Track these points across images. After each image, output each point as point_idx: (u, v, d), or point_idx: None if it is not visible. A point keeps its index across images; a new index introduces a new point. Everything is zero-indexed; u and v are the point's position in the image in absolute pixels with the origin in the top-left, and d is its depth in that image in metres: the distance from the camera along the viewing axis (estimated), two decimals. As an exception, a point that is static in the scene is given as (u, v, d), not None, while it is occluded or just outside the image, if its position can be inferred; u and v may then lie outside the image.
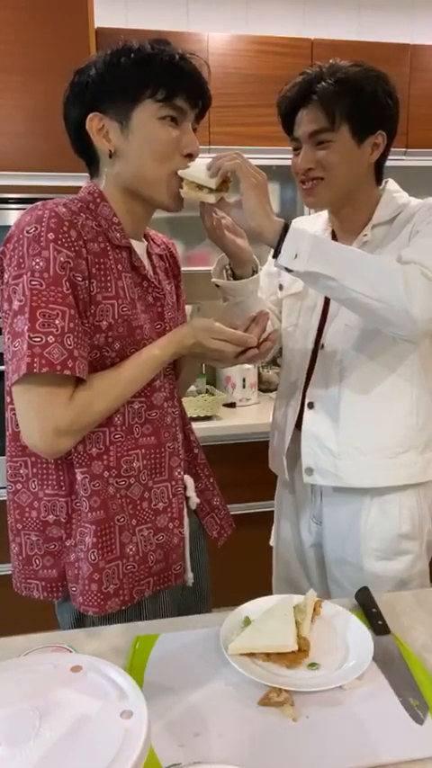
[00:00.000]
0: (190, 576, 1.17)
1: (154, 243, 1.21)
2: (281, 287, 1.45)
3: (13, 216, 2.12)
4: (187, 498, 1.18)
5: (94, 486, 1.03)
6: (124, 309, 1.03)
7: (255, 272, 1.28)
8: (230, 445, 2.29)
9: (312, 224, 1.40)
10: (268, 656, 0.89)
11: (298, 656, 0.88)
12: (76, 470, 1.03)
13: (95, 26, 2.20)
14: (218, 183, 1.07)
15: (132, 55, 0.99)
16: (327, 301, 1.34)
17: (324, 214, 1.41)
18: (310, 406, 1.34)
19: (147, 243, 1.16)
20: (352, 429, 1.30)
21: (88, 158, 1.08)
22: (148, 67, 0.98)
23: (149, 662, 0.90)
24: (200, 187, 1.06)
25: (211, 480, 1.27)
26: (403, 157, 2.55)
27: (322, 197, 1.28)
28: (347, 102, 1.20)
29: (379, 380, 1.29)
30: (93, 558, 1.02)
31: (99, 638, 0.98)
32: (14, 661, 0.74)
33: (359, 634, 0.93)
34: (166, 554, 1.11)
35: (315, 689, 0.83)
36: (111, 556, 1.04)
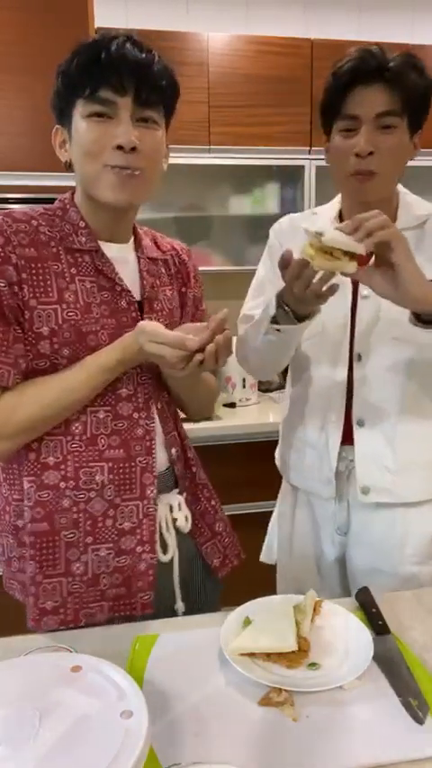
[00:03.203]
0: (179, 605, 1.13)
1: (158, 248, 1.17)
2: None
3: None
4: (174, 520, 1.12)
5: (40, 496, 1.01)
6: (70, 314, 0.99)
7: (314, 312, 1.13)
8: (230, 445, 2.29)
9: (324, 216, 1.33)
10: (268, 656, 0.89)
11: (298, 656, 0.88)
12: (24, 478, 1.01)
13: (95, 26, 2.20)
14: (369, 249, 0.95)
15: (71, 61, 0.98)
16: (353, 310, 1.25)
17: (331, 204, 1.34)
18: (361, 423, 1.27)
19: (137, 246, 1.12)
20: (408, 445, 1.26)
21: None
22: (72, 68, 0.96)
23: (149, 662, 0.90)
24: (330, 254, 0.94)
25: (213, 503, 1.20)
26: (403, 157, 2.54)
27: (374, 195, 1.16)
28: (419, 88, 1.12)
29: (428, 393, 1.26)
30: (30, 570, 1.01)
31: (99, 638, 0.98)
32: (14, 661, 0.74)
33: (359, 634, 0.93)
34: (128, 580, 1.05)
35: (315, 689, 0.83)
36: (52, 571, 1.01)
